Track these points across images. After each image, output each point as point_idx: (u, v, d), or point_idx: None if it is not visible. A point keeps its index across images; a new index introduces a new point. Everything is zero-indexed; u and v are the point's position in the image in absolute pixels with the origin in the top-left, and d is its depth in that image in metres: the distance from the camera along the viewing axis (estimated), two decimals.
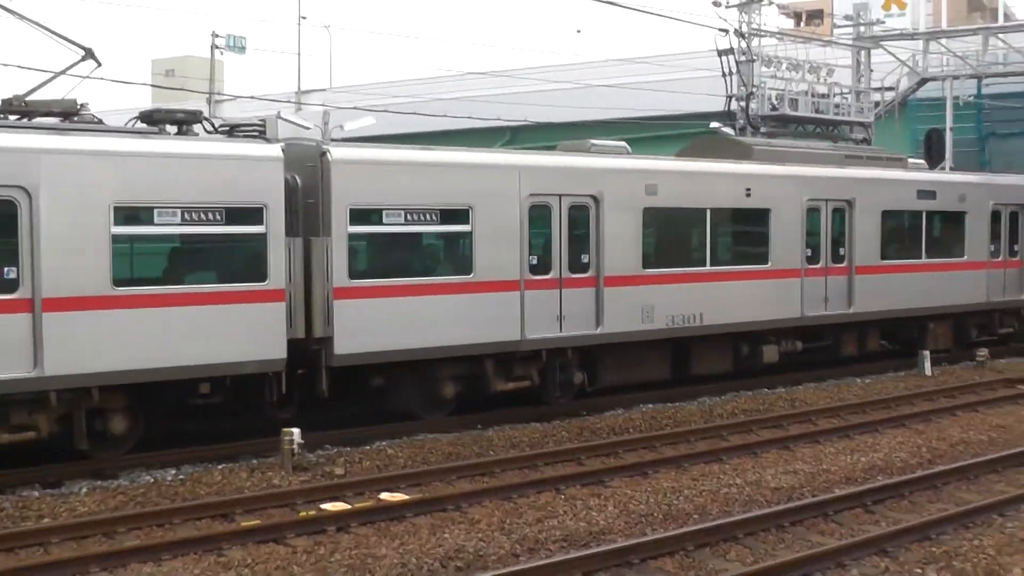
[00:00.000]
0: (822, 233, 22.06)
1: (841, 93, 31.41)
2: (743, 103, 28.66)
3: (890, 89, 35.13)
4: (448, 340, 16.78)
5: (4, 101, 14.44)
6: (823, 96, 29.86)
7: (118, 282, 13.97)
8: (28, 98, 14.56)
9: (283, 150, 15.31)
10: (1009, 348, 26.59)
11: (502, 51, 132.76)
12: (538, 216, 17.81)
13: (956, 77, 36.29)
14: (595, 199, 18.40)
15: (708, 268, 19.94)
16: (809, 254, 21.78)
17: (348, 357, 15.90)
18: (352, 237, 15.93)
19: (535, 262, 17.74)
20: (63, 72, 15.25)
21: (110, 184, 13.90)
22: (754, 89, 28.71)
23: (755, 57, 28.71)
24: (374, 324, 16.02)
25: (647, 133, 39.87)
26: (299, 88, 55.30)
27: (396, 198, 16.34)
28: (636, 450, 16.04)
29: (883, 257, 23.17)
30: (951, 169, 29.24)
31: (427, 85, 50.32)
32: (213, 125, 15.78)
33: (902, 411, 18.98)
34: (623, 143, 20.64)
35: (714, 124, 31.99)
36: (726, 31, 28.28)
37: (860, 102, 31.07)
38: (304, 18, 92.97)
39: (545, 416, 18.25)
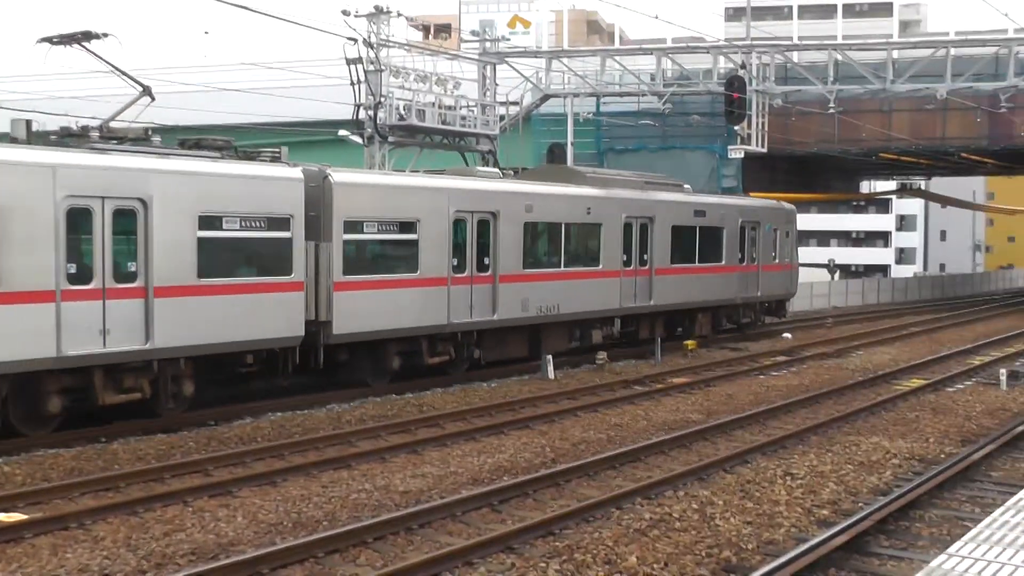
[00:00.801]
0: (634, 243, 27.75)
1: (468, 106, 32.33)
2: (371, 112, 28.88)
3: (515, 104, 36.55)
4: (401, 323, 21.52)
5: (94, 128, 17.56)
6: (450, 108, 30.61)
7: (201, 274, 17.76)
8: (106, 125, 17.83)
9: (303, 172, 19.61)
10: (626, 352, 28.24)
11: (130, 50, 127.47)
12: (457, 228, 22.66)
13: (576, 94, 38.26)
14: (494, 215, 23.28)
15: (563, 269, 25.32)
16: (625, 259, 27.43)
17: (341, 336, 20.32)
18: (345, 242, 20.27)
19: (456, 263, 22.57)
20: (130, 104, 18.57)
21: (196, 197, 17.77)
22: (382, 99, 29.02)
23: (383, 67, 29.01)
24: (359, 310, 20.49)
25: (278, 140, 39.36)
26: None
27: (372, 213, 20.93)
28: (265, 459, 15.74)
29: (672, 261, 29.19)
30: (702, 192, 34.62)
31: (48, 82, 47.36)
32: (235, 149, 19.50)
33: (527, 413, 19.67)
34: (495, 170, 27.39)
35: (342, 132, 32.06)
36: (355, 40, 28.39)
37: (486, 115, 32.10)
38: None
39: (171, 427, 17.60)
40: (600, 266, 26.57)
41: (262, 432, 17.64)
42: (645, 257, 28.03)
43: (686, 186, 32.48)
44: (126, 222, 16.77)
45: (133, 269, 16.80)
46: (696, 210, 30.41)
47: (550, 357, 24.58)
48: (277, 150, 20.15)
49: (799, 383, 24.28)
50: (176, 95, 42.79)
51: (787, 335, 33.52)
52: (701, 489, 14.13)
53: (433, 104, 30.11)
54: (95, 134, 17.43)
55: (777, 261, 34.59)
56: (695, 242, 30.22)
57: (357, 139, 30.42)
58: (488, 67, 34.92)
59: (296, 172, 19.45)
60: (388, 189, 21.70)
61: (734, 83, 34.17)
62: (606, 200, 26.93)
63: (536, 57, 37.87)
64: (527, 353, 25.12)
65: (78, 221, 16.13)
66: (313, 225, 19.70)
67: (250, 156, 19.62)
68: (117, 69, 18.41)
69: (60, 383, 16.38)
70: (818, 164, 50.87)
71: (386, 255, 21.65)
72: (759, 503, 13.45)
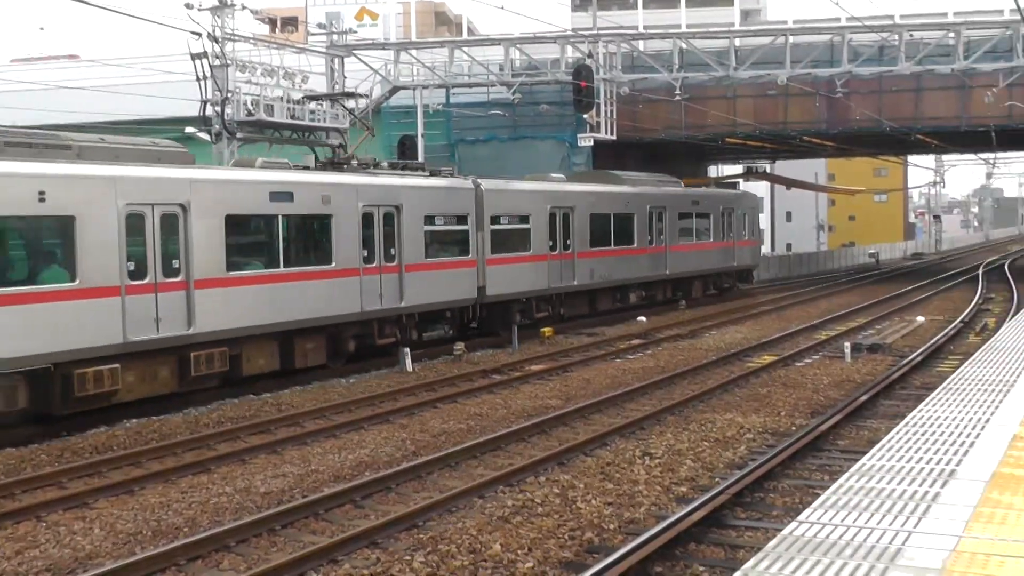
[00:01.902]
0: (653, 227, 36.56)
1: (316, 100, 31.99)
2: (218, 108, 28.37)
3: (364, 96, 36.33)
4: (520, 289, 29.64)
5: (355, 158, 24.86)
6: (298, 103, 30.26)
7: (427, 256, 25.52)
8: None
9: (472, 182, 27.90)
10: (484, 342, 28.41)
11: None
12: (552, 219, 30.82)
13: (426, 86, 38.25)
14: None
15: (611, 248, 31.56)
16: (649, 239, 36.21)
17: (491, 297, 28.07)
18: (492, 231, 27.99)
19: (551, 245, 30.74)
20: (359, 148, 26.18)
21: (423, 204, 25.49)
22: (229, 94, 28.52)
23: (229, 62, 28.52)
24: (497, 280, 28.23)
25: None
26: None
27: (504, 210, 28.87)
28: (121, 467, 15.38)
29: (679, 240, 37.99)
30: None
31: None
32: (392, 163, 27.24)
33: (386, 407, 19.62)
34: (561, 175, 34.59)
35: (189, 129, 31.42)
36: (199, 34, 27.84)
37: (335, 109, 31.83)
38: None
39: (19, 440, 17.04)
40: (634, 245, 35.21)
41: (117, 440, 17.24)
42: (662, 237, 36.91)
43: (680, 183, 41.27)
44: (387, 223, 24.39)
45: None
46: (693, 200, 39.86)
47: (407, 350, 24.57)
48: (450, 167, 29.93)
49: (655, 365, 24.77)
50: (11, 93, 41.49)
51: (642, 318, 34.14)
52: (562, 474, 14.33)
53: (281, 98, 29.72)
54: (355, 162, 25.64)
55: (747, 238, 44.08)
56: (692, 224, 39.36)
57: (205, 136, 29.82)
58: (336, 60, 34.64)
59: (469, 183, 27.76)
60: (511, 192, 29.87)
61: (581, 72, 34.59)
62: (636, 195, 35.68)
63: (384, 49, 37.68)
64: (588, 311, 33.33)
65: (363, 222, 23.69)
66: (474, 220, 27.47)
67: (436, 173, 27.36)
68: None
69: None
70: (666, 150, 51.92)
71: (512, 239, 29.27)
72: (619, 484, 13.71)
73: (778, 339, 28.92)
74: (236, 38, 29.40)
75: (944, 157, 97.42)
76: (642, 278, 36.06)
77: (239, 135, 28.81)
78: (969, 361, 15.02)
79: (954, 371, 14.40)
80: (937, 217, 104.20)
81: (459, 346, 26.04)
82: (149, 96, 39.21)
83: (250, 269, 21.07)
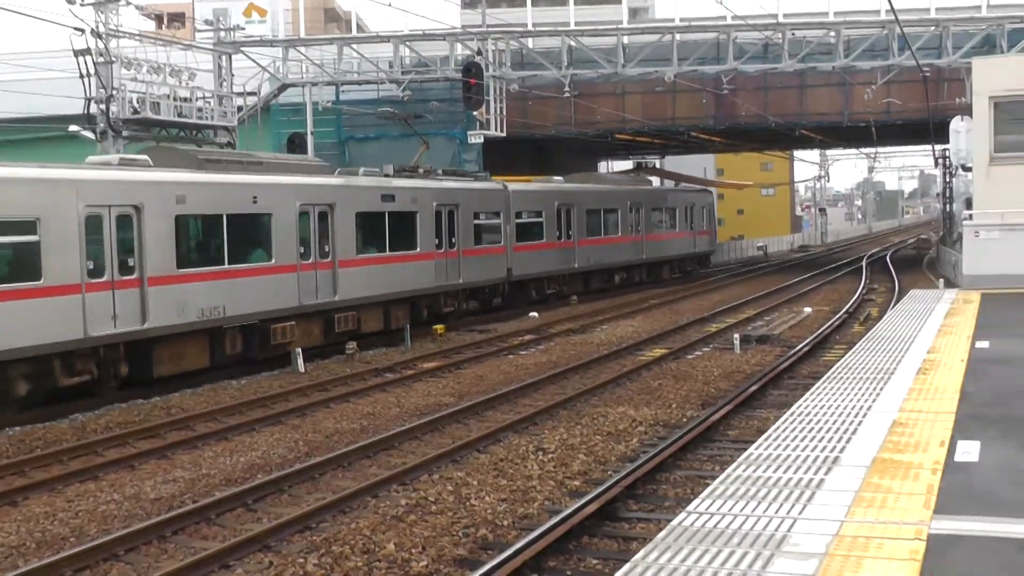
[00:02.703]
0: (637, 218, 44.35)
1: (204, 97, 31.50)
2: (103, 106, 27.74)
3: (252, 94, 35.84)
4: (542, 270, 37.45)
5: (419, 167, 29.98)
6: (185, 100, 29.73)
7: (475, 243, 32.56)
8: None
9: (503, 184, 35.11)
10: (377, 341, 28.27)
11: None
12: (559, 214, 38.19)
13: (315, 83, 37.83)
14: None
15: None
16: (632, 229, 44.00)
17: (518, 277, 34.93)
18: (517, 224, 34.93)
19: (558, 235, 38.12)
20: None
21: (471, 202, 32.45)
22: (114, 92, 27.90)
23: (114, 59, 27.89)
24: (520, 263, 35.14)
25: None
26: None
27: (526, 206, 36.53)
28: (4, 477, 14.93)
29: (654, 230, 45.95)
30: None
31: None
32: (447, 171, 33.95)
33: (278, 408, 19.38)
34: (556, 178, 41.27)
35: (73, 127, 30.66)
36: (82, 30, 27.16)
37: (223, 106, 31.36)
38: None
39: None
40: (619, 234, 42.77)
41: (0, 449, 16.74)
42: (639, 228, 44.30)
43: (655, 181, 55.87)
44: (449, 217, 31.06)
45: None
46: (663, 196, 49.44)
47: (299, 350, 24.31)
48: (486, 172, 37.03)
49: (547, 360, 24.89)
50: None
51: (534, 314, 34.28)
52: (456, 471, 14.32)
53: (168, 96, 29.16)
54: (421, 169, 31.90)
55: (705, 229, 52.63)
56: (663, 217, 47.52)
57: (89, 134, 29.12)
58: (224, 57, 34.09)
59: (500, 185, 34.89)
60: (529, 192, 37.11)
61: (471, 69, 34.55)
62: (621, 193, 43.80)
63: (273, 46, 37.17)
64: (583, 289, 40.17)
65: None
66: (504, 215, 34.40)
67: (478, 177, 34.78)
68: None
69: None
70: (557, 146, 52.22)
71: (533, 230, 36.28)
72: (513, 480, 13.74)
73: (670, 332, 29.27)
74: (121, 34, 28.73)
75: (828, 152, 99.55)
76: (624, 262, 43.45)
77: (125, 133, 28.20)
78: (853, 350, 15.37)
79: (839, 360, 14.72)
80: (823, 210, 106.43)
81: (351, 345, 25.83)
82: (31, 94, 38.14)
83: (369, 252, 27.65)
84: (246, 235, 23.45)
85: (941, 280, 33.88)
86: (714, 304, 37.42)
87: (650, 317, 34.20)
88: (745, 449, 9.68)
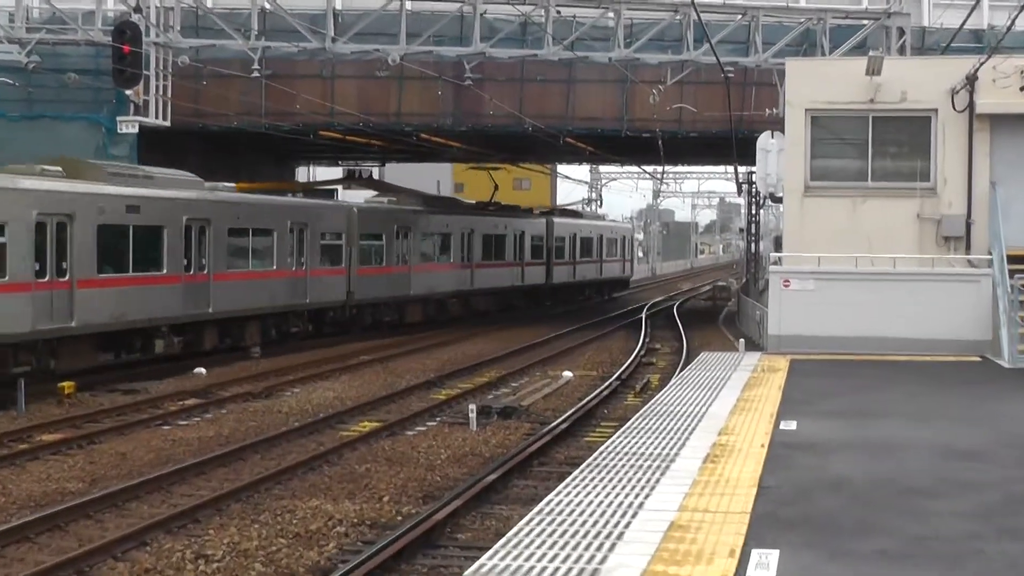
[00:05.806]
0: (565, 246, 72.52)
1: None
2: None
3: None
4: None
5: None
6: None
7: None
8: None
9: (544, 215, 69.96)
10: None
11: None
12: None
13: None
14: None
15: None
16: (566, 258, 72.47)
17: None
18: (555, 239, 69.78)
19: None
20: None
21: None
22: None
23: None
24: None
25: None
26: None
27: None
28: None
29: (577, 258, 74.02)
30: None
31: None
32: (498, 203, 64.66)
33: None
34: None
35: None
36: None
37: None
38: None
39: None
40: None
41: None
42: (565, 256, 70.93)
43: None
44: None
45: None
46: (592, 230, 76.88)
47: None
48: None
49: (216, 433, 24.58)
50: None
51: (200, 370, 33.82)
52: None
53: None
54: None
55: (618, 257, 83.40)
56: (591, 246, 75.30)
57: None
58: None
59: (545, 217, 70.60)
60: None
61: (125, 32, 33.75)
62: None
63: None
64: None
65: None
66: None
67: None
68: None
69: None
70: (241, 143, 51.78)
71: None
72: None
73: (383, 399, 29.37)
74: None
75: (602, 168, 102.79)
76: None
77: None
78: (624, 429, 15.79)
79: (605, 441, 15.06)
80: None
81: None
82: None
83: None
84: None
85: (741, 341, 35.25)
86: (443, 364, 37.77)
87: (359, 378, 34.22)
88: (477, 558, 9.73)
